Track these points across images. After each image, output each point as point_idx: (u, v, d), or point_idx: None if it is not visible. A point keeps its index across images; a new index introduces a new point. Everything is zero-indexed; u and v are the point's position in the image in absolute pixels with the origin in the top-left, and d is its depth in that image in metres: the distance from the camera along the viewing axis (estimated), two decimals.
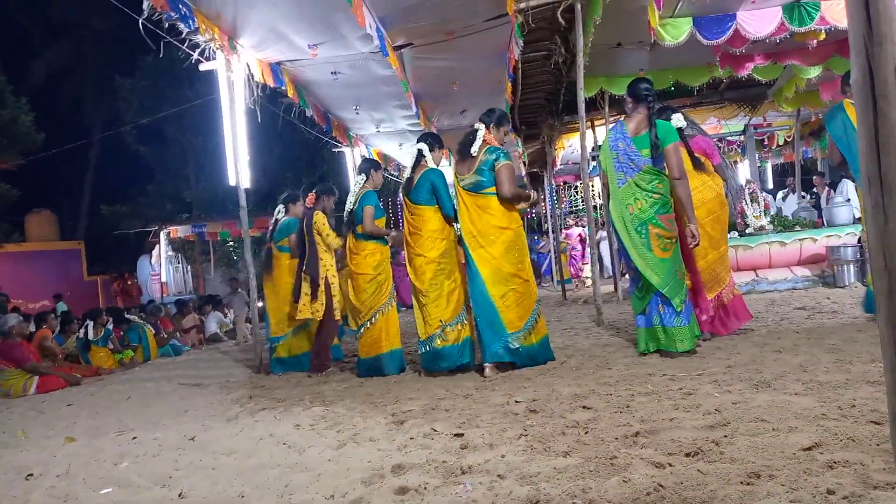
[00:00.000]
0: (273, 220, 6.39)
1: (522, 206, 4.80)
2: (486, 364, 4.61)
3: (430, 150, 5.04)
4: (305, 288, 5.69)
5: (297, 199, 6.41)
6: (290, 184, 21.50)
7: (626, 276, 4.95)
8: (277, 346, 6.11)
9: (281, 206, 6.37)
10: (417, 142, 5.13)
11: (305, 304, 5.68)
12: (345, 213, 5.51)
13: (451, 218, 4.92)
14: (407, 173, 5.11)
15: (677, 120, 5.16)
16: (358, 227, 5.35)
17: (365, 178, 5.51)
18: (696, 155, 5.14)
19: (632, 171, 4.49)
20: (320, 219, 5.76)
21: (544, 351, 4.75)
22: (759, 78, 9.52)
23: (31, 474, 3.20)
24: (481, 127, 4.77)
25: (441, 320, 4.85)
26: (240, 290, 11.29)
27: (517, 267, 4.67)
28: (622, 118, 4.78)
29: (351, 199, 5.46)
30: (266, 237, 6.59)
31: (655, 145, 4.45)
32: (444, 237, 4.93)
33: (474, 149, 4.71)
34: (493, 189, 4.66)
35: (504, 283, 4.62)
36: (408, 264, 5.03)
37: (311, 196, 5.92)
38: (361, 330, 5.33)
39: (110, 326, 8.80)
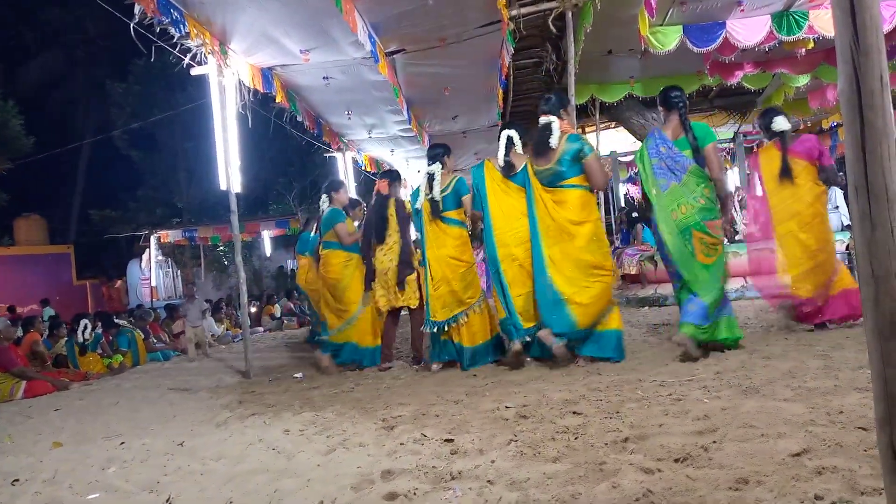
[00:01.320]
0: (319, 213, 6.28)
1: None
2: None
3: (520, 138, 5.01)
4: (389, 278, 5.61)
5: (339, 186, 6.25)
6: (281, 189, 21.53)
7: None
8: (332, 336, 6.04)
9: (324, 196, 6.19)
10: (503, 129, 5.09)
11: (399, 293, 5.63)
12: (425, 199, 5.32)
13: None
14: (501, 158, 5.03)
15: (780, 122, 5.24)
16: (449, 212, 5.25)
17: (441, 166, 5.35)
18: (791, 161, 5.15)
19: (679, 173, 4.52)
20: (408, 207, 5.71)
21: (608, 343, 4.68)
22: (749, 86, 9.60)
23: (18, 479, 3.17)
24: (553, 119, 4.72)
25: None
26: (196, 296, 9.65)
27: (597, 259, 4.64)
28: (657, 126, 4.82)
29: (436, 186, 5.27)
30: (296, 235, 6.53)
31: (695, 148, 4.50)
32: None
33: (554, 141, 4.66)
34: (572, 181, 4.65)
35: (586, 276, 4.60)
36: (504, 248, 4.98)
37: (385, 182, 5.80)
38: (455, 321, 5.19)
39: (100, 331, 8.75)
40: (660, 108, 4.85)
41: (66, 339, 8.28)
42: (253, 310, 13.11)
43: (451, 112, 9.63)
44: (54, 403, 5.91)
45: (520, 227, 4.92)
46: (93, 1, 5.09)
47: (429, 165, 5.43)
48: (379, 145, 10.83)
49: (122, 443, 3.77)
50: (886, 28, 7.02)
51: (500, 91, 8.69)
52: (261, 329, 12.61)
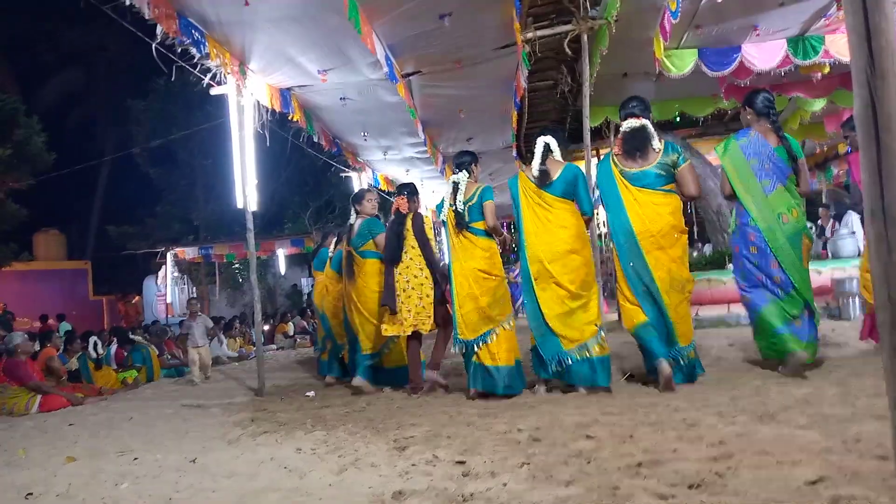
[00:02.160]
0: (346, 227, 6.12)
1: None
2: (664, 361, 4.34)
3: (558, 146, 4.83)
4: (415, 298, 5.31)
5: (362, 196, 6.10)
6: (297, 208, 21.70)
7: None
8: (376, 362, 5.88)
9: (352, 210, 6.08)
10: (539, 136, 4.88)
11: (411, 316, 5.32)
12: (449, 209, 5.05)
13: (589, 217, 4.76)
14: (536, 167, 4.78)
15: None
16: (477, 223, 4.95)
17: (468, 175, 5.08)
18: None
19: (782, 178, 4.44)
20: (429, 221, 5.54)
21: (697, 367, 4.54)
22: None
23: (31, 493, 3.18)
24: (646, 122, 4.58)
25: (596, 325, 4.59)
26: (200, 312, 8.52)
27: (689, 275, 4.50)
28: (746, 128, 4.66)
29: (459, 197, 4.98)
30: (312, 253, 6.29)
31: (794, 158, 4.45)
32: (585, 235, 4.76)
33: (656, 143, 4.51)
34: (666, 186, 4.48)
35: (679, 292, 4.42)
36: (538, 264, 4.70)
37: (403, 199, 5.53)
38: (483, 341, 4.82)
39: (114, 346, 8.82)
40: (746, 109, 4.70)
41: (79, 354, 8.34)
42: (266, 328, 13.16)
43: (466, 133, 9.70)
44: (69, 418, 5.93)
45: (555, 240, 4.61)
46: (114, 20, 5.17)
47: (455, 173, 5.14)
48: (394, 166, 10.91)
49: (136, 458, 3.78)
50: None
51: (515, 113, 8.74)
52: (274, 347, 12.66)
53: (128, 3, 4.44)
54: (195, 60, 5.52)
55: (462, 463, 2.95)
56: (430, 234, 5.50)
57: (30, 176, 16.29)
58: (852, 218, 10.06)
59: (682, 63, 7.42)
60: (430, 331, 5.46)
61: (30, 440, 4.93)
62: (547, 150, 4.80)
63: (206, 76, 5.93)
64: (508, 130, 9.75)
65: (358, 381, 5.68)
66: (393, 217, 5.61)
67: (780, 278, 4.41)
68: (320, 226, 18.39)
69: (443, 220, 5.16)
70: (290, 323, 14.13)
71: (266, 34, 5.66)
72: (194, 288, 19.73)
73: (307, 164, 19.73)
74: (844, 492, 2.13)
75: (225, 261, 19.14)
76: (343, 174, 11.16)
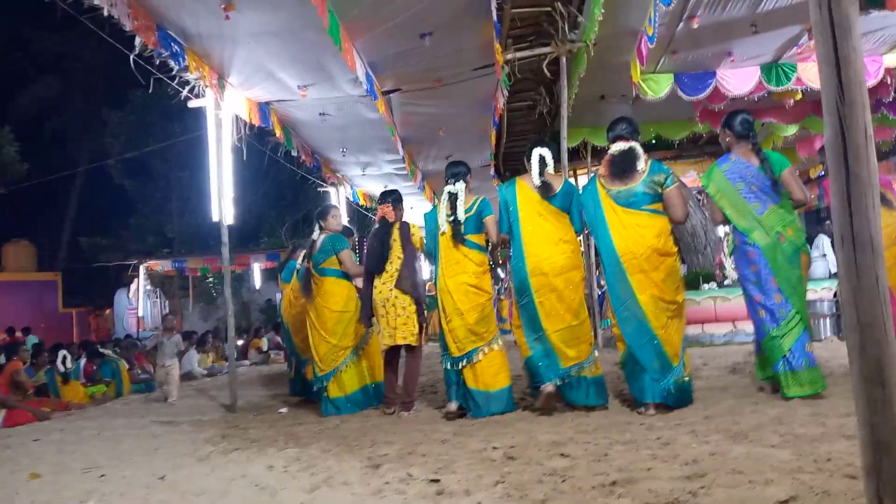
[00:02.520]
0: (309, 242, 5.88)
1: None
2: (648, 402, 4.18)
3: (553, 159, 4.71)
4: (399, 308, 5.11)
5: (327, 211, 5.90)
6: (273, 222, 21.57)
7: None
8: (328, 386, 5.49)
9: (316, 225, 5.86)
10: (534, 147, 4.70)
11: (396, 327, 5.12)
12: (447, 222, 4.85)
13: (580, 232, 4.71)
14: (536, 178, 4.62)
15: None
16: (471, 236, 4.82)
17: (465, 185, 4.94)
18: (882, 190, 5.00)
19: (774, 197, 4.34)
20: (418, 231, 5.34)
21: (688, 393, 4.35)
22: None
23: None
24: (635, 143, 4.47)
25: (591, 344, 4.53)
26: (175, 329, 8.12)
27: (672, 298, 4.32)
28: (727, 153, 4.59)
29: (459, 207, 4.83)
30: (280, 264, 6.18)
31: (774, 180, 4.33)
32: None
33: (641, 165, 4.38)
34: (651, 206, 4.35)
35: (662, 312, 4.26)
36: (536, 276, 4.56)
37: (388, 207, 5.39)
38: (468, 359, 4.69)
39: (82, 360, 8.65)
40: (725, 132, 4.63)
41: (47, 368, 8.17)
42: (240, 343, 13.01)
43: (445, 151, 9.75)
44: (34, 433, 5.79)
45: (557, 254, 4.52)
46: (92, 30, 5.11)
47: (451, 184, 4.95)
48: (372, 182, 10.93)
49: (102, 475, 3.70)
50: (871, 82, 7.19)
51: (493, 132, 8.81)
52: (247, 362, 12.50)
53: (107, 13, 4.40)
54: (174, 73, 5.49)
55: (436, 481, 2.94)
56: (418, 244, 5.32)
57: (1, 186, 16.03)
58: (824, 241, 10.23)
59: (659, 87, 7.53)
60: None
61: None
62: (543, 162, 4.66)
63: (184, 89, 5.89)
64: (487, 149, 9.83)
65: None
66: (378, 225, 5.45)
67: (780, 297, 4.32)
68: (296, 240, 18.31)
69: (441, 232, 4.93)
70: (264, 338, 13.98)
71: (246, 48, 5.64)
72: (167, 301, 19.46)
73: (285, 178, 19.63)
74: None
75: (199, 274, 18.91)
76: (321, 189, 11.13)
